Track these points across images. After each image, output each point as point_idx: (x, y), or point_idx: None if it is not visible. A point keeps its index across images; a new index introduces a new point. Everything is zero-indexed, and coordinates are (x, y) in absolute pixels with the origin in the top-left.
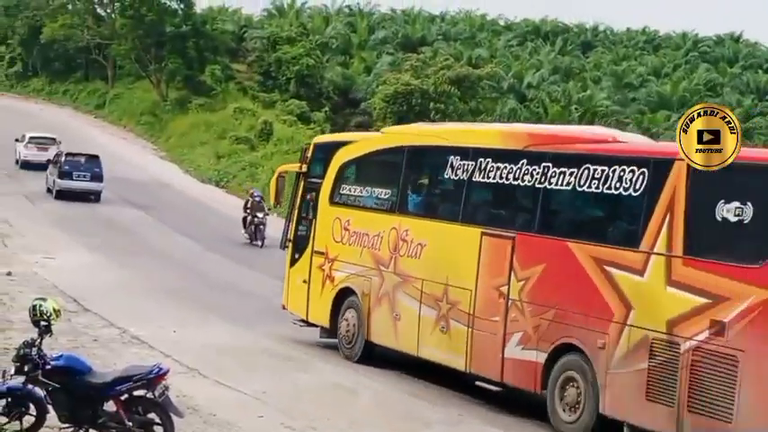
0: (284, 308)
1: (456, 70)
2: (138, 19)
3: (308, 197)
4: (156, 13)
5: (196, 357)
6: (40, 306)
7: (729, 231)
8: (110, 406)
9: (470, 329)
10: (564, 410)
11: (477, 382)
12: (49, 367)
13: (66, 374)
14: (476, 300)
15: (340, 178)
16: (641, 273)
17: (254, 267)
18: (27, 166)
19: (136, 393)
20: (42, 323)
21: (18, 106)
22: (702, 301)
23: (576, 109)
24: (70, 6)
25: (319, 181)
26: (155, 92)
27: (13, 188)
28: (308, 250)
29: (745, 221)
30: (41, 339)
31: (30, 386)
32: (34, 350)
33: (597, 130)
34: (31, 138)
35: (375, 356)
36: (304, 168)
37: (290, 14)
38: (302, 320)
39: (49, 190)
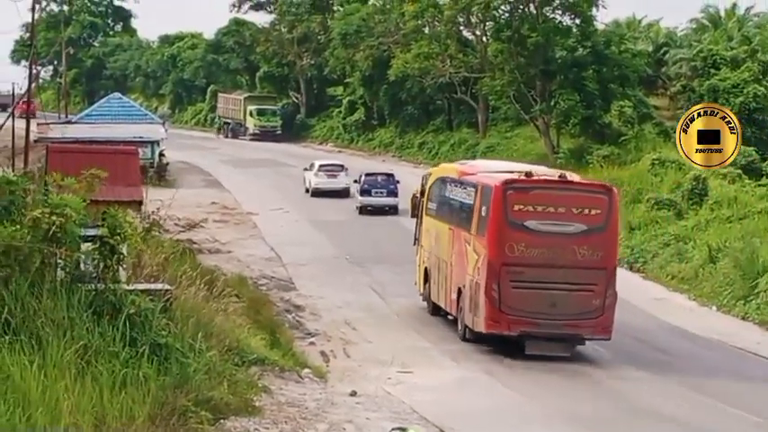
0: (415, 284)
1: None
2: (519, 42)
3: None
4: (542, 34)
5: None
6: None
7: (483, 219)
8: None
9: (446, 285)
10: (459, 325)
11: (448, 316)
12: None
13: None
14: (447, 267)
15: (428, 197)
16: (470, 244)
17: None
18: (317, 193)
19: None
20: None
21: (361, 166)
22: (477, 257)
23: None
24: (427, 30)
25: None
26: (542, 141)
27: (358, 278)
28: (420, 245)
29: (485, 215)
30: None
31: None
32: None
33: (523, 167)
34: (320, 166)
35: (439, 313)
36: (420, 190)
37: (729, 25)
38: (420, 294)
39: (356, 208)
